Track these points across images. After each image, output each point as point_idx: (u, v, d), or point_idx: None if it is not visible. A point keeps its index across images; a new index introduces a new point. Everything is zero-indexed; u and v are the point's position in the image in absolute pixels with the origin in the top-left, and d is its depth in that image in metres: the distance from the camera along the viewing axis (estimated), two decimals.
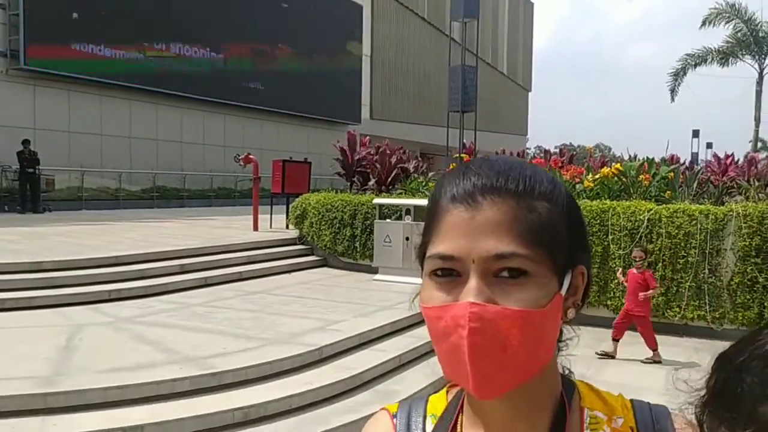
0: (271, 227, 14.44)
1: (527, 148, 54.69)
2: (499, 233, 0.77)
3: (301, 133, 30.41)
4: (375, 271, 11.09)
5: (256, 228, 14.13)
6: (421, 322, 7.78)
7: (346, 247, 12.10)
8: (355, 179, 14.79)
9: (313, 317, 7.67)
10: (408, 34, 40.27)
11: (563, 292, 0.80)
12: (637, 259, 7.63)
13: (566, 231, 0.81)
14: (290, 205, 13.96)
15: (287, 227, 14.14)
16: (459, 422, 0.90)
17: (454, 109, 14.68)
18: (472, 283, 0.76)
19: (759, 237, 8.14)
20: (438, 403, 0.95)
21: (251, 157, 14.68)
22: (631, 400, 0.89)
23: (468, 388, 0.78)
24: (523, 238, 0.77)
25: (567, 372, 0.90)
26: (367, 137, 16.15)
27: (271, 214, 14.71)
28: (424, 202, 11.46)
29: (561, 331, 0.85)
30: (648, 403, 0.89)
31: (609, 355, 7.43)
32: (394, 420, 0.95)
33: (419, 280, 0.85)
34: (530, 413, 0.84)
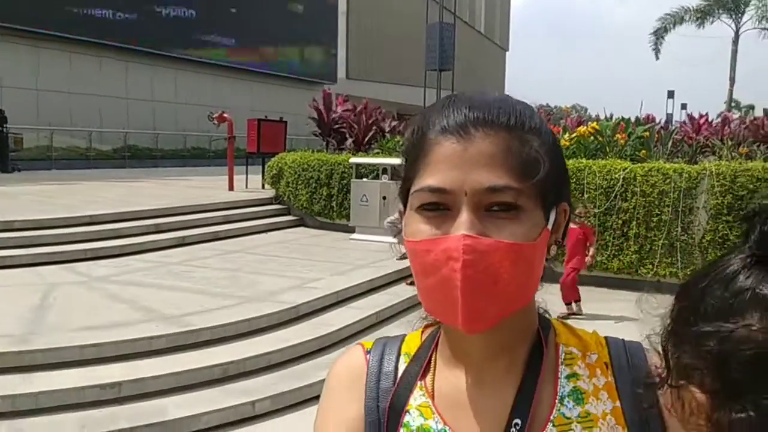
0: (246, 187, 14.32)
1: None
2: (492, 166, 0.75)
3: (276, 92, 29.98)
4: (352, 230, 11.09)
5: (231, 188, 14.00)
6: (398, 281, 7.84)
7: (322, 206, 12.06)
8: (331, 139, 14.67)
9: (290, 276, 7.67)
10: None
11: (550, 227, 0.79)
12: (581, 216, 7.63)
13: (554, 167, 0.80)
14: (266, 165, 13.84)
15: (263, 187, 14.04)
16: (432, 361, 0.90)
17: (432, 68, 14.56)
18: (465, 216, 0.74)
19: (731, 195, 8.27)
20: (413, 342, 0.94)
21: (225, 115, 14.46)
22: (606, 337, 0.89)
23: (455, 323, 0.76)
24: (515, 172, 0.75)
25: (542, 311, 0.89)
26: (344, 96, 15.97)
27: (246, 173, 14.57)
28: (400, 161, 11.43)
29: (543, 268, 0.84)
30: (623, 339, 0.89)
31: (574, 314, 7.50)
32: (368, 356, 0.94)
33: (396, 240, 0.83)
34: (508, 349, 0.84)
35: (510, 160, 0.76)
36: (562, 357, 0.85)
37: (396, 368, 0.91)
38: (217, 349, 5.43)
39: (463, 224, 0.74)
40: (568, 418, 0.81)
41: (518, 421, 0.80)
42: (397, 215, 0.88)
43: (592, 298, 7.92)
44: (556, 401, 0.82)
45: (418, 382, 0.88)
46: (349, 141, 13.77)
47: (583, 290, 7.69)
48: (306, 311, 6.34)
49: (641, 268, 8.74)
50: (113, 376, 4.68)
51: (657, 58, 32.10)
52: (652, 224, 8.72)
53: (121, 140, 23.15)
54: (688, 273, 8.41)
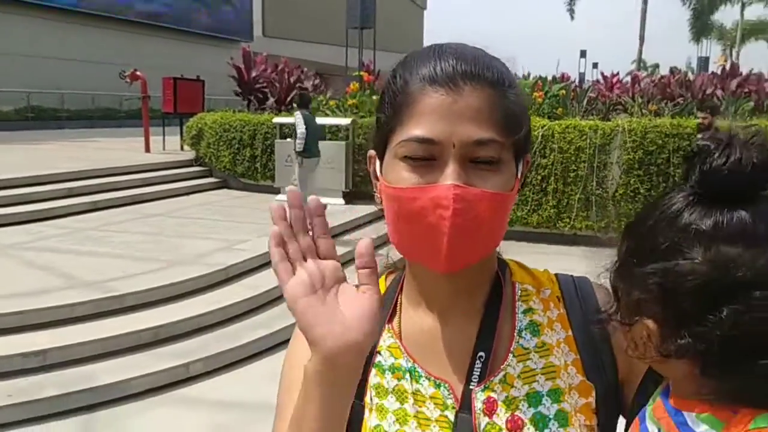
0: (164, 149, 13.85)
1: None
2: (479, 120, 0.78)
3: (191, 51, 28.88)
4: (277, 191, 10.96)
5: (148, 149, 13.51)
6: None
7: (246, 167, 11.84)
8: (252, 98, 14.31)
9: (216, 238, 7.54)
10: None
11: (519, 176, 0.84)
12: None
13: (526, 121, 0.84)
14: (184, 126, 13.39)
15: (182, 149, 13.61)
16: (398, 304, 0.93)
17: (353, 25, 14.38)
18: (453, 167, 0.77)
19: (641, 150, 8.69)
20: None
21: (138, 74, 13.85)
22: (556, 274, 0.96)
23: (435, 266, 0.80)
24: (498, 126, 0.79)
25: (497, 252, 0.95)
26: (264, 55, 15.55)
27: (163, 135, 14.08)
28: (326, 120, 11.33)
29: None
30: (571, 275, 0.97)
31: None
32: None
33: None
34: (471, 288, 0.89)
35: (495, 114, 0.79)
36: (519, 294, 0.91)
37: None
38: (145, 313, 5.31)
39: (451, 175, 0.77)
40: (527, 349, 0.87)
41: (482, 354, 0.86)
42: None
43: (512, 252, 8.14)
44: (515, 334, 0.88)
45: (386, 325, 0.92)
46: (271, 101, 13.47)
47: (503, 245, 7.93)
48: (236, 273, 6.27)
49: (559, 222, 9.11)
50: (38, 344, 4.52)
51: (572, 18, 32.86)
52: (569, 179, 9.07)
53: (24, 100, 21.78)
54: (603, 226, 8.85)
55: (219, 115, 12.55)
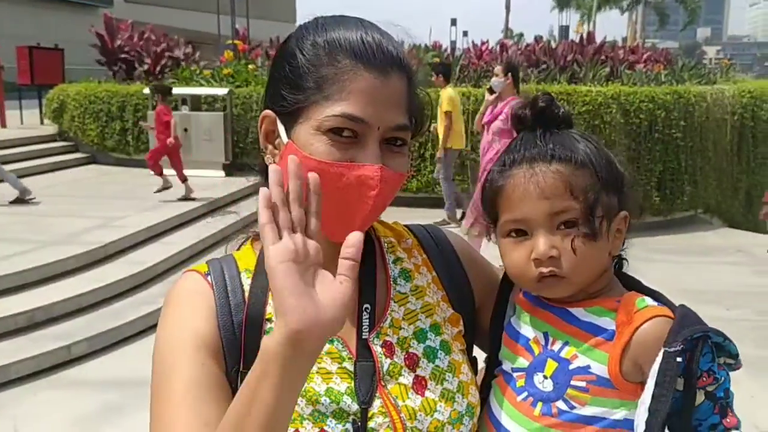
0: (22, 123, 12.91)
1: None
2: (399, 106, 0.87)
3: (46, 18, 26.72)
4: None
5: (3, 124, 12.56)
6: (211, 212, 7.73)
7: (116, 141, 11.29)
8: (118, 68, 13.56)
9: (92, 215, 7.21)
10: None
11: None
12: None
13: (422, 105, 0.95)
14: (44, 99, 12.51)
15: (42, 123, 12.74)
16: None
17: None
18: (374, 148, 0.84)
19: None
20: (247, 258, 0.96)
21: None
22: (407, 225, 1.09)
23: (338, 236, 0.79)
24: (408, 112, 0.89)
25: None
26: (128, 22, 14.73)
27: (20, 108, 13.10)
28: (201, 90, 10.99)
29: None
30: (422, 225, 1.11)
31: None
32: (208, 278, 0.93)
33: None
34: None
35: (406, 101, 0.88)
36: (386, 247, 1.02)
37: (241, 284, 0.93)
38: (19, 296, 5.06)
39: (374, 156, 0.84)
40: (404, 293, 0.98)
41: (368, 305, 0.93)
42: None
43: (396, 218, 8.43)
44: (391, 282, 0.98)
45: (270, 292, 0.89)
46: (140, 70, 12.83)
47: (385, 212, 8.17)
48: (115, 250, 6.08)
49: (437, 186, 9.47)
50: None
51: None
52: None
53: None
54: (476, 188, 9.32)
55: (83, 86, 11.85)
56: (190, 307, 0.90)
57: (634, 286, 0.97)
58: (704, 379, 0.84)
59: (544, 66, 11.09)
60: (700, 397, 0.84)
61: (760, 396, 4.26)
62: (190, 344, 0.86)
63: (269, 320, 0.89)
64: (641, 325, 0.86)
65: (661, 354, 0.83)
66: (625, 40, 26.05)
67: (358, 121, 0.83)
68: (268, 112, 0.91)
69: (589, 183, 0.90)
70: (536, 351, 0.93)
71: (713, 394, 0.85)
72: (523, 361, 0.94)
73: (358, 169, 0.84)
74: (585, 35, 13.54)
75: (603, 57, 11.62)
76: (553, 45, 13.27)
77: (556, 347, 0.92)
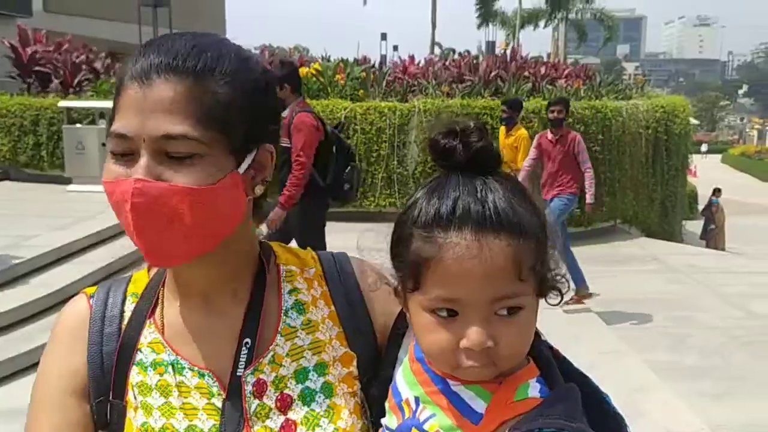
0: None
1: None
2: (171, 113, 0.77)
3: None
4: (68, 181, 10.13)
5: None
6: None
7: (29, 157, 10.84)
8: (32, 81, 12.99)
9: (1, 234, 6.84)
10: None
11: (242, 170, 0.83)
12: None
13: (249, 111, 0.83)
14: None
15: None
16: (161, 296, 0.93)
17: (146, 3, 13.63)
18: (142, 161, 0.77)
19: None
20: (140, 281, 0.96)
21: None
22: (318, 253, 1.01)
23: (147, 259, 0.83)
24: (195, 120, 0.78)
25: (262, 238, 0.99)
26: (43, 31, 14.16)
27: None
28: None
29: (261, 206, 0.92)
30: (331, 252, 1.02)
31: None
32: (91, 301, 0.93)
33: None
34: (232, 277, 0.91)
35: (190, 107, 0.78)
36: (284, 275, 0.95)
37: (122, 311, 0.92)
38: None
39: (139, 169, 0.77)
40: (293, 327, 0.91)
41: (248, 340, 0.88)
42: None
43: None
44: (282, 314, 0.91)
45: (148, 320, 0.91)
46: (56, 83, 12.33)
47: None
48: (25, 270, 5.78)
49: (364, 200, 9.47)
50: None
51: (365, 3, 33.51)
52: (372, 159, 9.48)
53: None
54: (404, 202, 9.37)
55: None
56: (66, 335, 0.92)
57: (561, 365, 0.84)
58: None
59: (468, 82, 11.29)
60: None
61: (672, 402, 4.41)
62: (55, 388, 0.90)
63: (140, 350, 0.89)
64: (511, 419, 0.77)
65: None
66: (549, 56, 26.85)
67: (122, 137, 0.79)
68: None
69: (535, 257, 0.77)
70: (406, 414, 0.83)
71: None
72: (393, 421, 0.85)
73: (120, 184, 0.78)
74: (509, 51, 13.87)
75: (526, 73, 11.94)
76: (481, 60, 13.53)
77: (423, 416, 0.81)
